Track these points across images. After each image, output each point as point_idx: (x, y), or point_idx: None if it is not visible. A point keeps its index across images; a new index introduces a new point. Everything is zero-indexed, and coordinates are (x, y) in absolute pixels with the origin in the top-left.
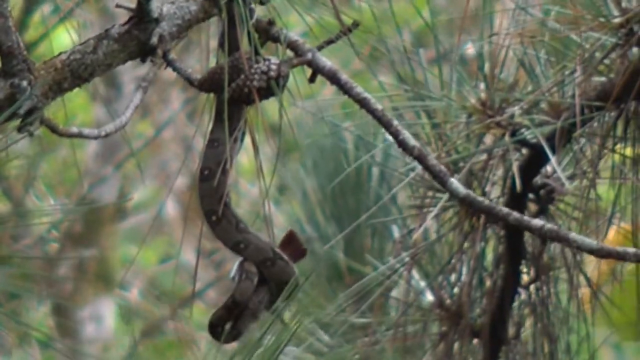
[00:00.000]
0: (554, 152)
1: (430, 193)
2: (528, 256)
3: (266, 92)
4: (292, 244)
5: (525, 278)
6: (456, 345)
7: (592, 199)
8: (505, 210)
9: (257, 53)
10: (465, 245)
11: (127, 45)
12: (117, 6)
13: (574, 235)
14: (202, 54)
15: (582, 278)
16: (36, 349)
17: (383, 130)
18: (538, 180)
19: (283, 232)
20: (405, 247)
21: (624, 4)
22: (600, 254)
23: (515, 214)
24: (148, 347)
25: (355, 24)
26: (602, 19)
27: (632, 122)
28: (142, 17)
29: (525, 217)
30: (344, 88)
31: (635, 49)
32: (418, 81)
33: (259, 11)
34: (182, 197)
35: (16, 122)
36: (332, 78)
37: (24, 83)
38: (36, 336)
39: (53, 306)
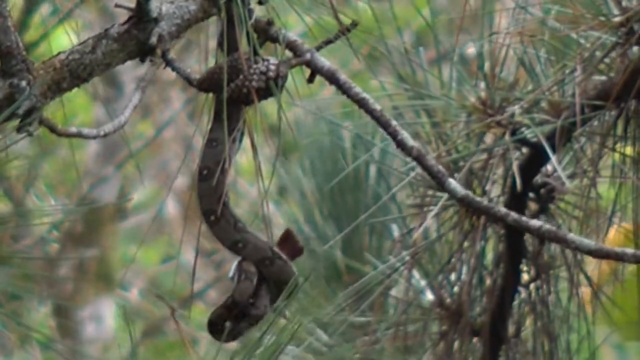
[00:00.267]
0: (554, 151)
1: (430, 192)
2: (528, 255)
3: (265, 93)
4: (289, 243)
5: (525, 277)
6: (456, 344)
7: (593, 198)
8: (504, 210)
9: (255, 53)
10: (466, 244)
11: (126, 44)
12: (117, 6)
13: (572, 235)
14: (201, 54)
15: (582, 277)
16: (37, 349)
17: (382, 129)
18: (538, 179)
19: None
20: (405, 246)
21: (624, 3)
22: (599, 254)
23: (514, 215)
24: (149, 348)
25: (354, 24)
26: (602, 18)
27: (633, 121)
28: (141, 16)
29: (524, 218)
30: (342, 88)
31: (635, 48)
32: (418, 81)
33: (258, 11)
34: (182, 197)
35: (15, 122)
36: (331, 78)
37: (23, 83)
38: (37, 337)
39: (54, 306)
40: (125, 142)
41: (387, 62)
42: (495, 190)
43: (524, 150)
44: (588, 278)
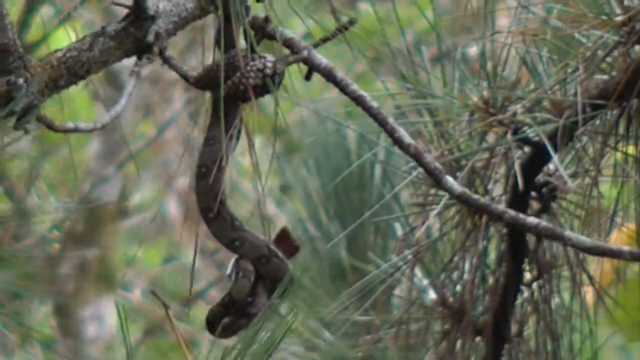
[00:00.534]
0: (556, 150)
1: (432, 191)
2: (530, 254)
3: (262, 90)
4: (285, 241)
5: (527, 276)
6: (459, 343)
7: (595, 197)
8: (501, 208)
9: (253, 50)
10: (468, 243)
11: (123, 42)
12: (114, 3)
13: (568, 233)
14: (199, 52)
15: (585, 277)
16: (38, 349)
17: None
18: (540, 178)
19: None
20: (408, 245)
21: (626, 2)
22: (595, 252)
23: (511, 212)
24: (151, 347)
25: (351, 22)
26: (604, 17)
27: (635, 120)
28: (138, 14)
29: (521, 215)
30: (339, 85)
31: (637, 47)
32: (420, 80)
33: (255, 9)
34: (184, 197)
35: (13, 120)
36: (328, 75)
37: (21, 80)
38: (37, 337)
39: (54, 306)
40: (126, 142)
41: (389, 62)
42: (497, 190)
43: (526, 149)
44: (590, 277)
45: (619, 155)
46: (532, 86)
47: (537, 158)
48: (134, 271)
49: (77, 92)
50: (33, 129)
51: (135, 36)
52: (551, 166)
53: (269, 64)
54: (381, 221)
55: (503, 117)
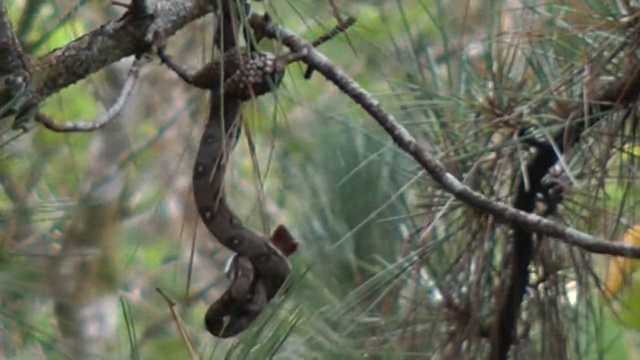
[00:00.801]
0: (562, 151)
1: (438, 192)
2: (536, 255)
3: (262, 88)
4: (283, 239)
5: (533, 277)
6: (465, 345)
7: (601, 198)
8: (501, 205)
9: (252, 48)
10: (473, 244)
11: (122, 41)
12: (113, 2)
13: (570, 230)
14: (198, 51)
15: (591, 278)
16: (39, 348)
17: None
18: (546, 179)
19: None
20: (414, 246)
21: (632, 3)
22: (597, 249)
23: (511, 209)
24: (153, 347)
25: (351, 20)
26: (610, 18)
27: None
28: (137, 13)
29: (522, 212)
30: (339, 83)
31: None
32: (426, 80)
33: (255, 7)
34: (184, 197)
35: (11, 118)
36: (328, 73)
37: (19, 79)
38: (38, 337)
39: (55, 306)
40: (126, 142)
41: (394, 62)
42: (503, 190)
43: (532, 150)
44: (596, 279)
45: (625, 156)
46: (538, 87)
47: (543, 159)
48: (134, 271)
49: (77, 92)
50: (32, 128)
51: (134, 35)
52: (557, 167)
53: (269, 62)
54: (388, 223)
55: (509, 118)
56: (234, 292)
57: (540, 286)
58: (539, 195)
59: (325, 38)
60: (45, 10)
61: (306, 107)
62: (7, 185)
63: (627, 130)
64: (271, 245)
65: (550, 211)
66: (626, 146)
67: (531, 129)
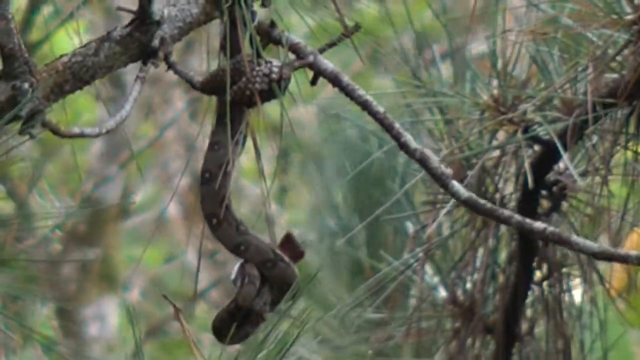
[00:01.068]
0: (566, 148)
1: (443, 190)
2: (540, 253)
3: (268, 95)
4: (290, 246)
5: (538, 274)
6: (469, 342)
7: (605, 196)
8: (507, 213)
9: (258, 55)
10: (478, 241)
11: (128, 47)
12: (119, 9)
13: (575, 238)
14: (202, 56)
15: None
16: (40, 350)
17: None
18: (550, 176)
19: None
20: (419, 243)
21: (636, 1)
22: (603, 256)
23: (517, 217)
24: (153, 347)
25: (357, 27)
26: (614, 16)
27: None
28: (143, 19)
29: (528, 220)
30: (345, 90)
31: None
32: (429, 78)
33: (261, 14)
34: (185, 198)
35: (18, 125)
36: (334, 80)
37: (26, 85)
38: (39, 339)
39: (56, 307)
40: (128, 143)
41: (398, 60)
42: (507, 188)
43: (536, 147)
44: (601, 277)
45: (629, 153)
46: (542, 85)
47: (547, 156)
48: (134, 271)
49: (79, 92)
50: (38, 134)
51: (141, 41)
52: (561, 165)
53: (275, 69)
54: (395, 219)
55: (513, 116)
56: (241, 300)
57: (545, 284)
58: (543, 192)
59: (332, 45)
60: (47, 10)
61: (312, 105)
62: (8, 186)
63: (631, 128)
64: (278, 251)
65: (554, 209)
66: (630, 144)
67: (535, 126)
